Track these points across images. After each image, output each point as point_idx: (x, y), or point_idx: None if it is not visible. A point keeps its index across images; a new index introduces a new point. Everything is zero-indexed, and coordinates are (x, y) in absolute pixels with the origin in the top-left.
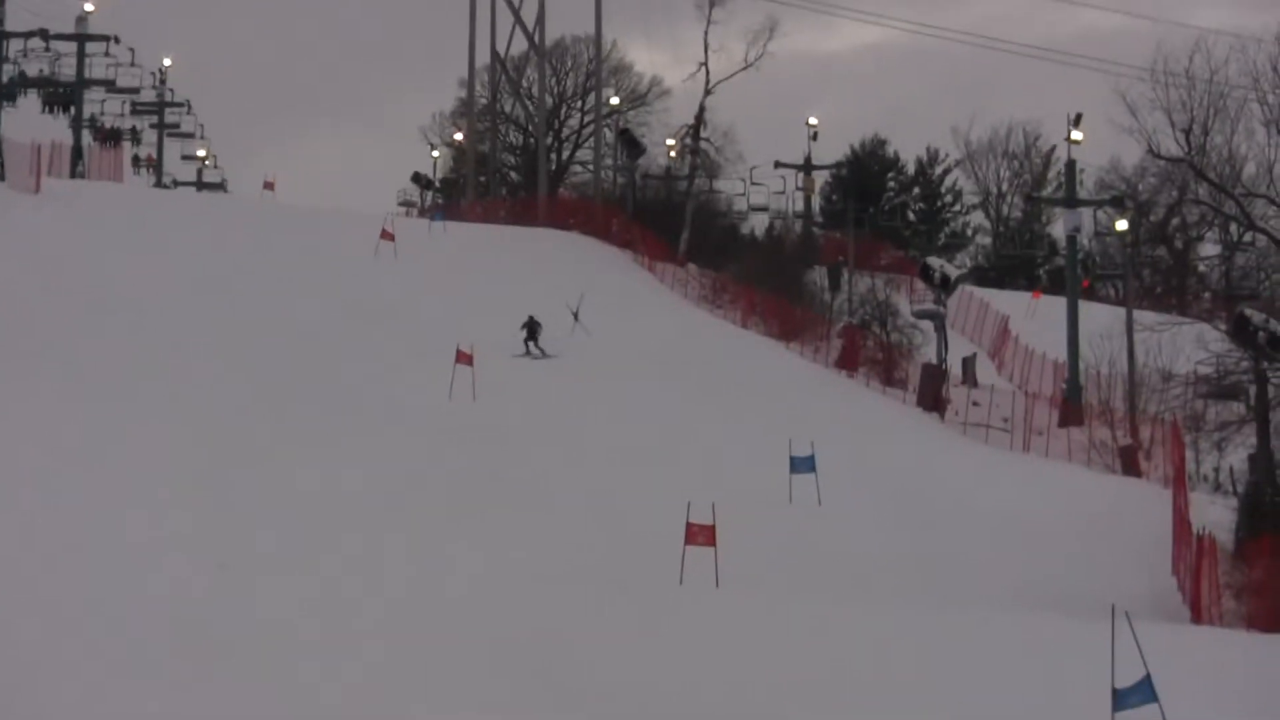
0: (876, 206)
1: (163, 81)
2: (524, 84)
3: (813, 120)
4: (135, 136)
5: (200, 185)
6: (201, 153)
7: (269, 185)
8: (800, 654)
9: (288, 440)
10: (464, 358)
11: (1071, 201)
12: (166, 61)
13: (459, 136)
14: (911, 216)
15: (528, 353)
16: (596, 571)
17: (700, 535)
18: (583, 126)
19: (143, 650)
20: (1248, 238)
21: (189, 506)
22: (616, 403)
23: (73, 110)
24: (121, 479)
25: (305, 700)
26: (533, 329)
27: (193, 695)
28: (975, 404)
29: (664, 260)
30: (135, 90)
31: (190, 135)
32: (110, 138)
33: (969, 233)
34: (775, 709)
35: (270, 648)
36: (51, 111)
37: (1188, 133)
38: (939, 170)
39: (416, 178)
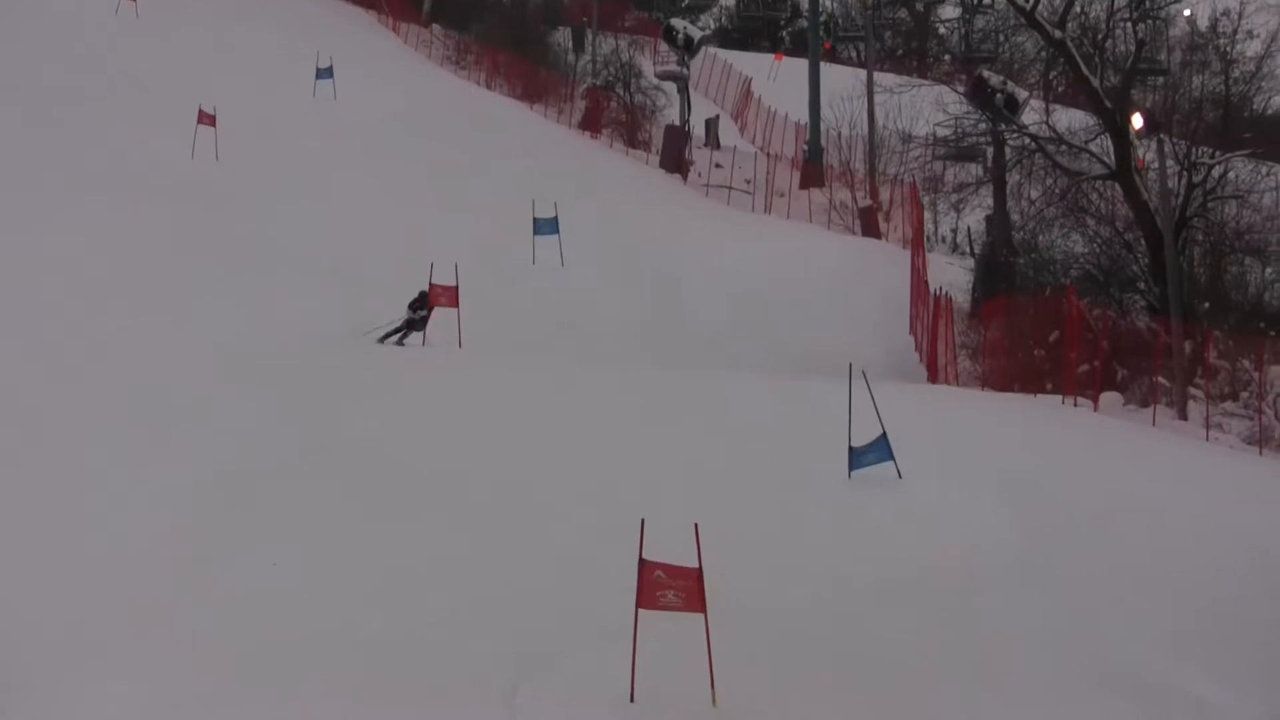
0: None
1: None
2: None
3: None
4: None
5: None
6: None
7: None
8: (545, 411)
9: (22, 205)
10: (206, 119)
11: None
12: None
13: None
14: None
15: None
16: (339, 329)
17: (443, 296)
18: None
19: None
20: (987, 0)
21: None
22: (361, 164)
23: None
24: None
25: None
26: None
27: None
28: (718, 166)
29: (408, 21)
30: None
31: None
32: None
33: None
34: (520, 462)
35: None
36: None
37: None
38: None
39: None
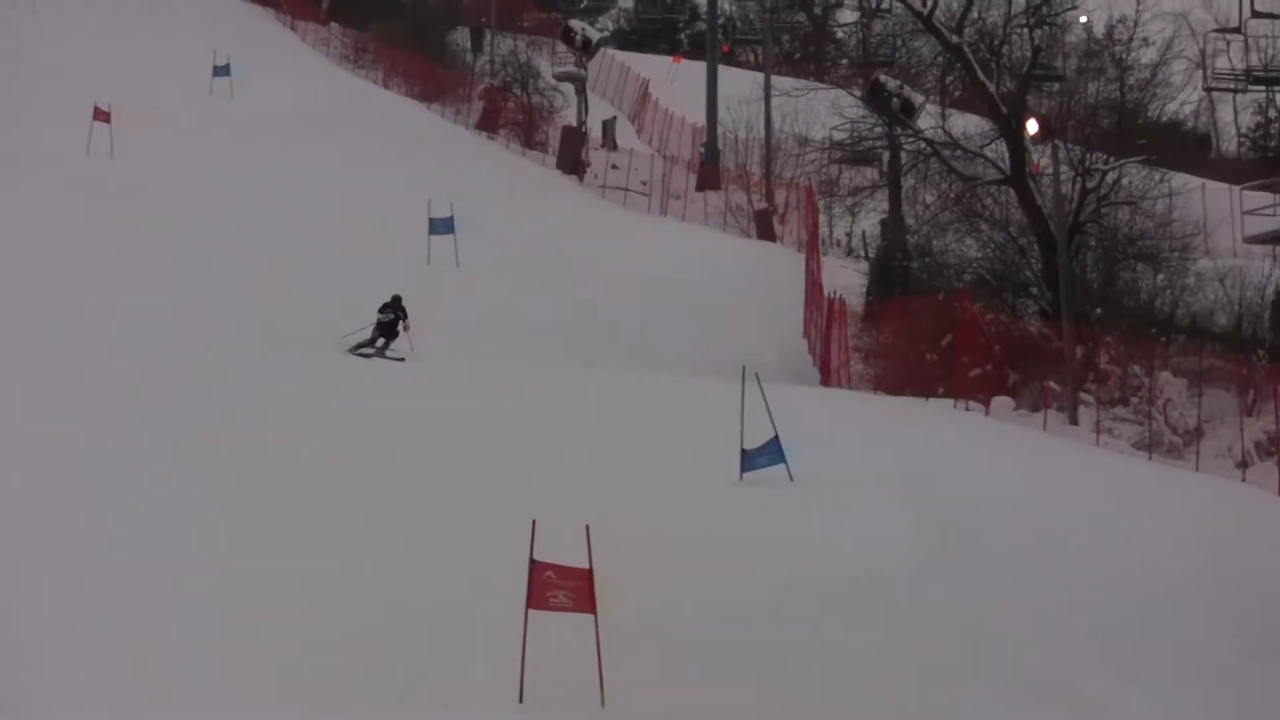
0: None
1: None
2: None
3: None
4: None
5: None
6: None
7: None
8: (441, 412)
9: None
10: (101, 115)
11: None
12: None
13: None
14: None
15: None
16: (249, 329)
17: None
18: None
19: None
20: (885, 5)
21: None
22: (257, 161)
23: None
24: None
25: None
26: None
27: None
28: (614, 167)
29: (306, 19)
30: None
31: None
32: None
33: None
34: (434, 465)
35: None
36: None
37: None
38: None
39: None
